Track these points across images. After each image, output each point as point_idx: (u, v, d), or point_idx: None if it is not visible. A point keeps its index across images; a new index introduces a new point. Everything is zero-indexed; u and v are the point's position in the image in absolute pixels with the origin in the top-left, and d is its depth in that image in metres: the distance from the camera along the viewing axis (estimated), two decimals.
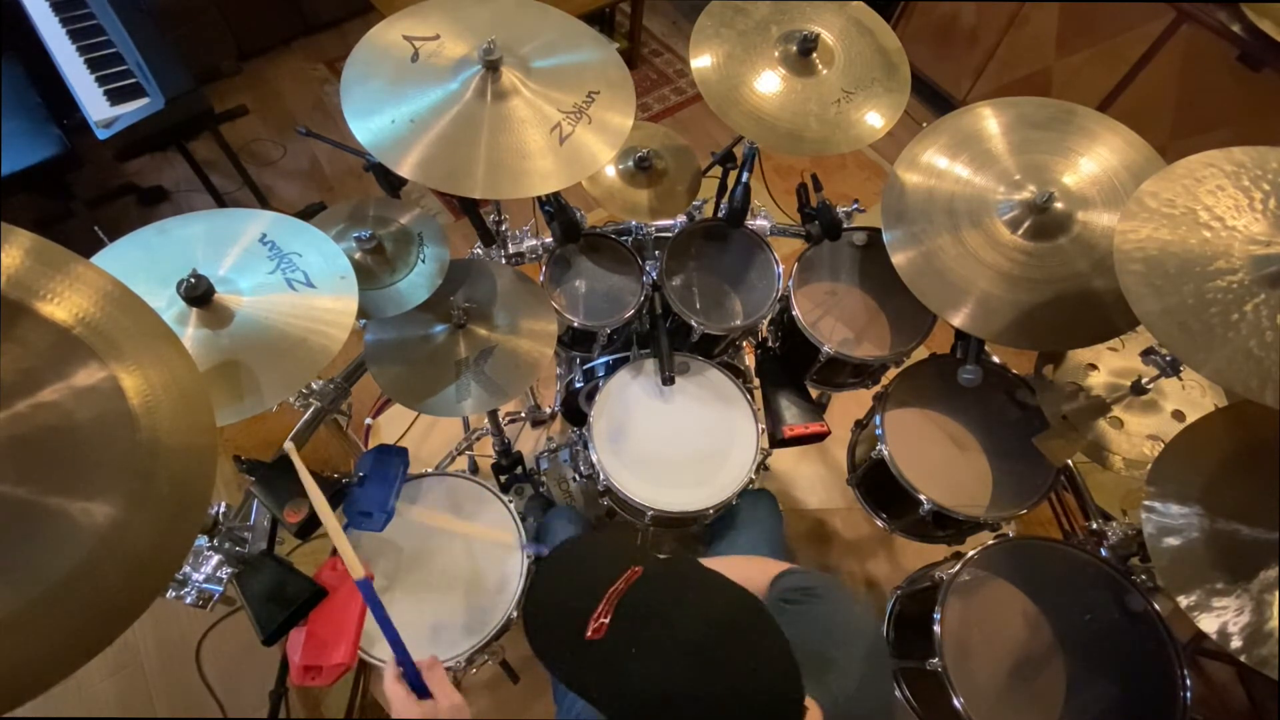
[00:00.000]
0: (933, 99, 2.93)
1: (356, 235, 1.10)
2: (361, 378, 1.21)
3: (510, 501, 1.23)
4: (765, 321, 1.50)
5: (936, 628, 1.12)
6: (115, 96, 1.84)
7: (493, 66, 1.00)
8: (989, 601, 1.19)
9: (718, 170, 1.40)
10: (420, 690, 0.74)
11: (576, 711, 0.94)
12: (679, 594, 0.60)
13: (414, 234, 1.16)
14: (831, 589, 0.81)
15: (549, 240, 1.39)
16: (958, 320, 1.08)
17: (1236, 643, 0.83)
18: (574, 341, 1.48)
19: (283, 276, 0.94)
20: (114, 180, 2.57)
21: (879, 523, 1.46)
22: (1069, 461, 1.26)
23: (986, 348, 1.32)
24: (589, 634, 0.57)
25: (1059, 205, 1.06)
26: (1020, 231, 1.08)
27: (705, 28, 1.18)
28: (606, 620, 0.57)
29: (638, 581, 0.59)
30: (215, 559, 0.98)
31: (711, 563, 0.71)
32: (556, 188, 1.00)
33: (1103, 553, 1.17)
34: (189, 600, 0.96)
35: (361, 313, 0.99)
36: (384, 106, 0.97)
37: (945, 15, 2.74)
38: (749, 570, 0.89)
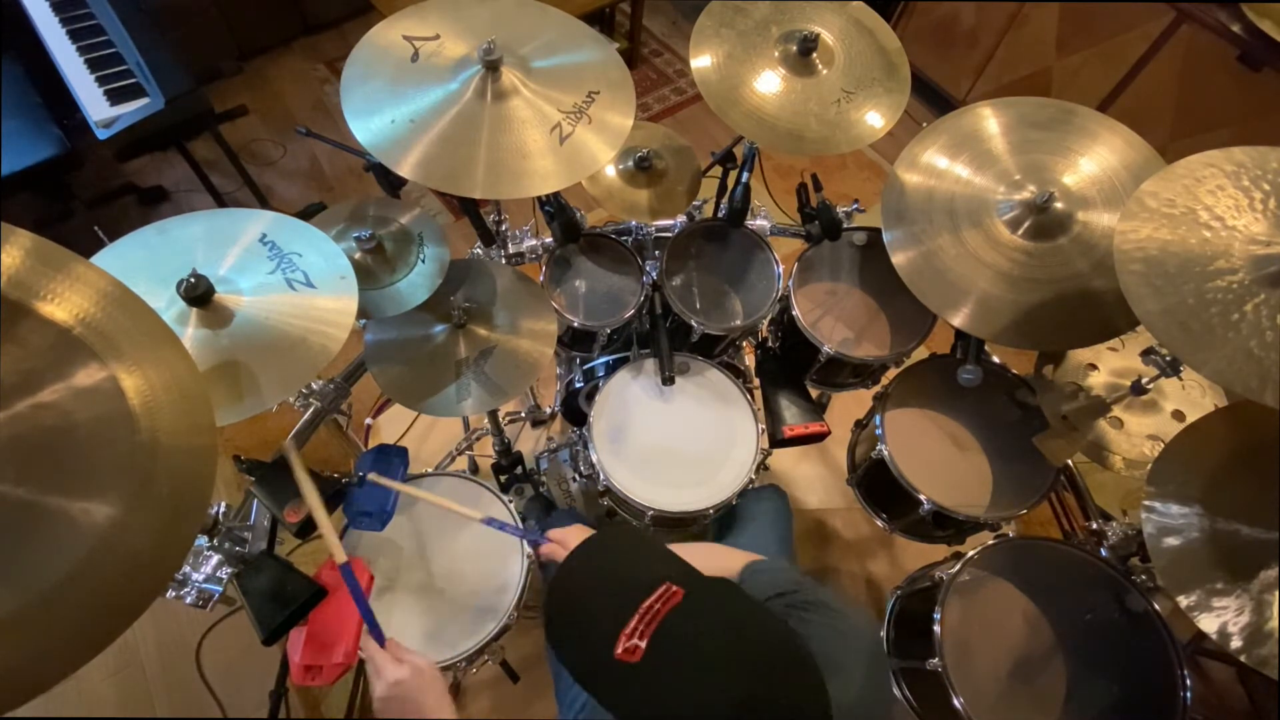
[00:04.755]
0: (933, 99, 2.93)
1: (356, 235, 1.10)
2: (361, 378, 1.21)
3: (510, 502, 1.23)
4: (765, 321, 1.50)
5: (936, 628, 1.12)
6: (115, 96, 1.84)
7: (493, 66, 0.99)
8: (989, 601, 1.19)
9: (718, 170, 1.40)
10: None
11: (578, 709, 0.94)
12: (724, 633, 0.58)
13: (414, 234, 1.15)
14: (819, 592, 0.81)
15: (549, 240, 1.39)
16: (958, 320, 1.08)
17: (1236, 643, 0.83)
18: (574, 341, 1.48)
19: (283, 276, 0.94)
20: (114, 180, 2.57)
21: (879, 523, 1.46)
22: (1069, 461, 1.26)
23: (986, 348, 1.32)
24: (620, 651, 0.55)
25: (1059, 205, 1.06)
26: (1020, 231, 1.08)
27: (705, 28, 1.18)
28: (643, 644, 0.55)
29: (679, 607, 0.57)
30: (215, 559, 0.97)
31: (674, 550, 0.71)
32: (556, 188, 1.00)
33: (1103, 553, 1.17)
34: (189, 600, 0.96)
35: (361, 313, 0.99)
36: (384, 106, 0.97)
37: (945, 15, 2.74)
38: (710, 560, 0.89)
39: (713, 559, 0.90)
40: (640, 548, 0.67)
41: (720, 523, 1.40)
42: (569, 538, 0.94)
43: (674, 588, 0.58)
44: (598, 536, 0.69)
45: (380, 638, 0.83)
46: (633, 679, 0.56)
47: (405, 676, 0.79)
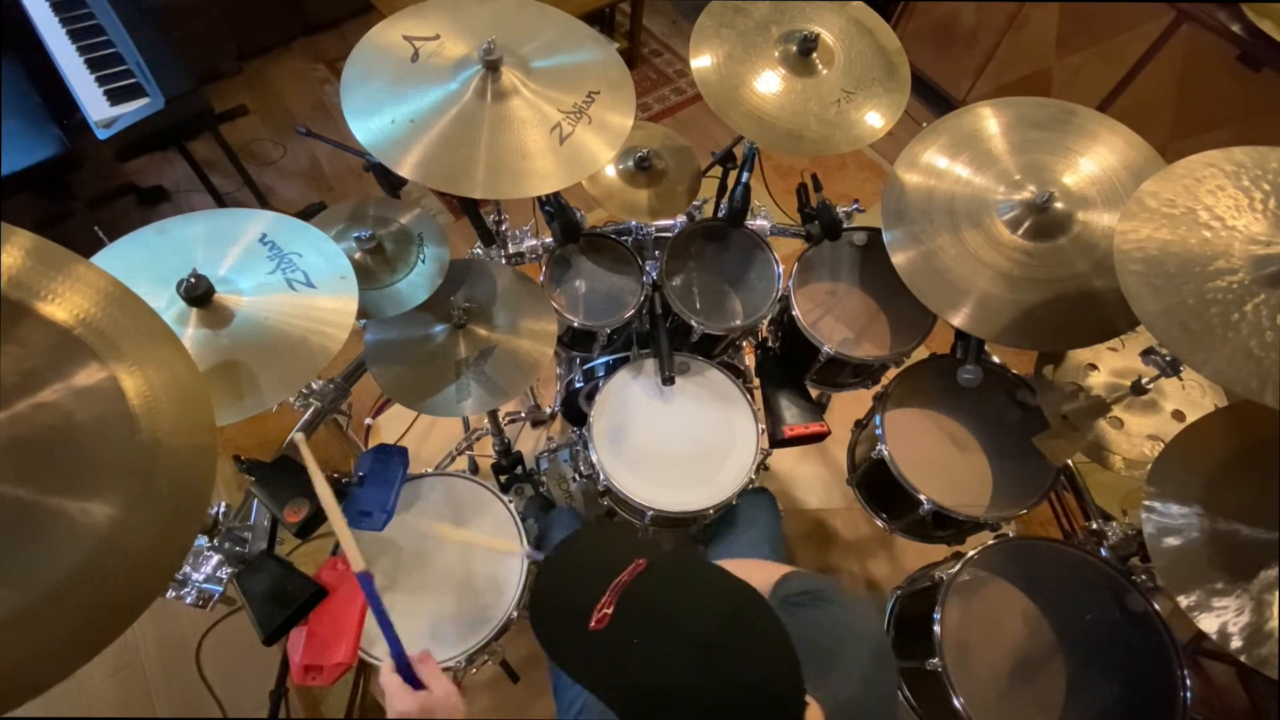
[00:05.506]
0: (933, 99, 2.92)
1: (356, 235, 1.10)
2: (361, 378, 1.21)
3: (510, 502, 1.23)
4: (765, 321, 1.50)
5: (936, 628, 1.12)
6: (115, 96, 1.84)
7: (493, 66, 1.00)
8: (989, 601, 1.19)
9: (718, 170, 1.40)
10: (414, 683, 0.75)
11: (576, 710, 0.94)
12: (684, 587, 0.60)
13: (414, 234, 1.16)
14: (837, 592, 0.81)
15: (549, 240, 1.39)
16: (958, 320, 1.08)
17: (1236, 643, 0.83)
18: (574, 341, 1.48)
19: (283, 276, 0.94)
20: (114, 180, 2.57)
21: (879, 523, 1.46)
22: (1069, 461, 1.26)
23: (986, 348, 1.32)
24: (593, 624, 0.57)
25: (1059, 205, 1.06)
26: (1020, 231, 1.08)
27: (705, 28, 1.18)
28: (609, 610, 0.57)
29: (642, 573, 0.59)
30: (215, 559, 0.98)
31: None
32: (556, 188, 1.00)
33: (1103, 553, 1.17)
34: (189, 600, 0.96)
35: (361, 313, 0.99)
36: (384, 106, 0.97)
37: (945, 15, 2.74)
38: (751, 572, 0.89)
39: (749, 571, 0.91)
40: (618, 537, 0.69)
41: (711, 529, 1.40)
42: None
43: (640, 560, 0.60)
44: (578, 531, 0.70)
45: (399, 653, 0.75)
46: (605, 646, 0.57)
47: (411, 710, 0.72)
